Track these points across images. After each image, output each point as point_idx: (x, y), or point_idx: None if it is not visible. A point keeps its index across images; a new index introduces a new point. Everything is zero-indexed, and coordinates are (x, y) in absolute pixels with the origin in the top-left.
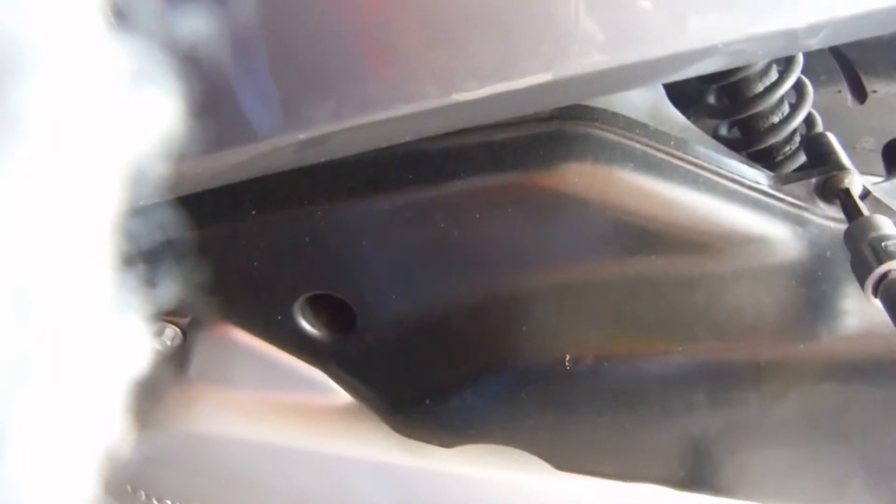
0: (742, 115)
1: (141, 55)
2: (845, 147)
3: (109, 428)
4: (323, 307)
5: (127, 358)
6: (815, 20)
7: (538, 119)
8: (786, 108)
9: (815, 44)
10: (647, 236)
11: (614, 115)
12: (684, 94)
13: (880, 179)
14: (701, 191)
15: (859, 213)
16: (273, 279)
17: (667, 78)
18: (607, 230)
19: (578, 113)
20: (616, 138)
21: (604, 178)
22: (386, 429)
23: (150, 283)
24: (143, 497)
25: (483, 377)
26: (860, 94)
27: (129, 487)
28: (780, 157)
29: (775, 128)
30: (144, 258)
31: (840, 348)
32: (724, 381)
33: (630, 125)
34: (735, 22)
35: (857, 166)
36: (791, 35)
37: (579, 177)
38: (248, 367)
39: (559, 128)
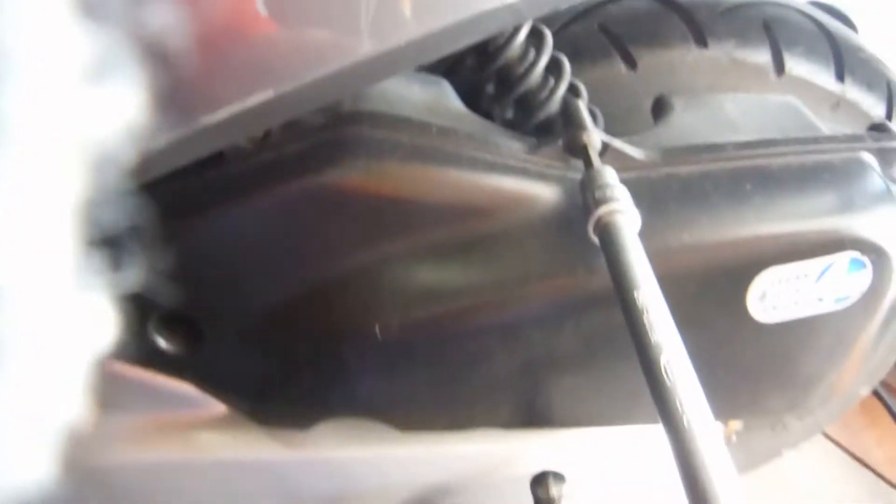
0: (512, 96)
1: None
2: (627, 109)
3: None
4: (177, 322)
5: None
6: None
7: (316, 129)
8: (552, 85)
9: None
10: (426, 213)
11: (381, 115)
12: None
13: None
14: (464, 167)
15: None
16: (123, 303)
17: (418, 61)
18: (392, 214)
19: (349, 118)
20: (382, 135)
21: (378, 171)
22: (256, 425)
23: None
24: None
25: (318, 357)
26: (631, 62)
27: None
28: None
29: (543, 103)
30: None
31: (598, 280)
32: (511, 324)
33: (395, 122)
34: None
35: (641, 123)
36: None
37: (357, 173)
38: (127, 394)
39: (333, 134)
